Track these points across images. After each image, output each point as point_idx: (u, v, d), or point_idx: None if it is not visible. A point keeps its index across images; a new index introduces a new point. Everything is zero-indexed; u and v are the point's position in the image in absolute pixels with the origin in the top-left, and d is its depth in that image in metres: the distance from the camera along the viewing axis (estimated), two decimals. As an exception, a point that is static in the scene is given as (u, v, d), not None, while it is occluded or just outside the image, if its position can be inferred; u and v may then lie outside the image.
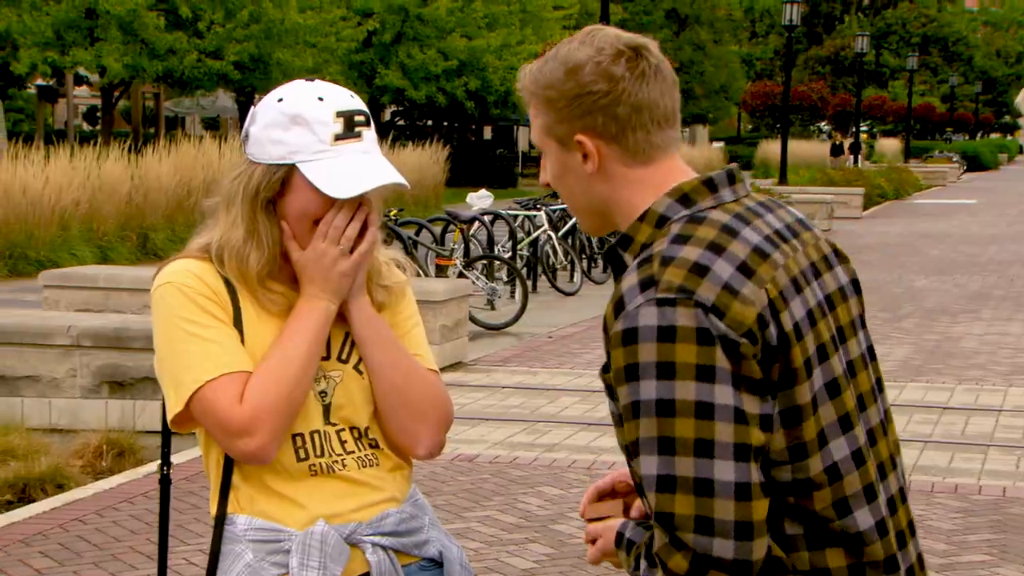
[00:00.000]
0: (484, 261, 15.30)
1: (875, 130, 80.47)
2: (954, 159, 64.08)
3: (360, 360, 2.57)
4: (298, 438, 2.50)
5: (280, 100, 2.48)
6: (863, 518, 2.02)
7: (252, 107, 2.56)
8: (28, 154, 20.08)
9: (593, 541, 2.26)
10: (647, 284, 1.94)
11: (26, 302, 12.92)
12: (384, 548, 2.52)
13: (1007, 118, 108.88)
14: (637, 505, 2.26)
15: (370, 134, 2.48)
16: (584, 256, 18.46)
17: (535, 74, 2.14)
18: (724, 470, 1.89)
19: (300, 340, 2.47)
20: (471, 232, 16.59)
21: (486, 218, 17.18)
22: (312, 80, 2.53)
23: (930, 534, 6.60)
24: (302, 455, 2.50)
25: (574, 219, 18.29)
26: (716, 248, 1.97)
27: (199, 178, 22.72)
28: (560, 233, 17.98)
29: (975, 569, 6.28)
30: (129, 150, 22.58)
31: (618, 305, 1.97)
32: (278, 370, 2.44)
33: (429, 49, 38.85)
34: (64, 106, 47.16)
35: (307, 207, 2.46)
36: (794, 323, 1.97)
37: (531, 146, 45.97)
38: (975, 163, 69.88)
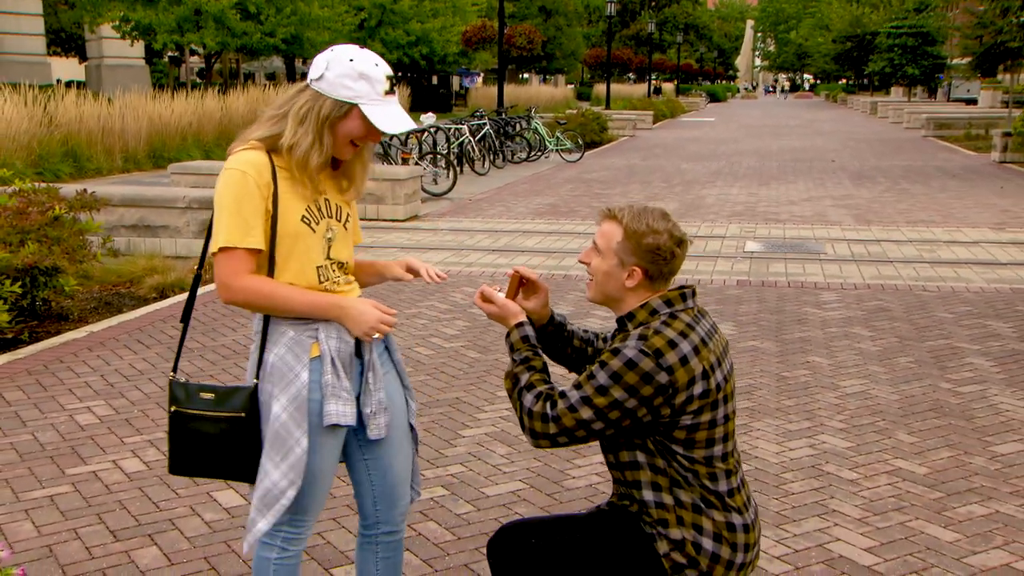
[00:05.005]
0: (430, 155, 14.96)
1: (660, 78, 79.50)
2: (703, 95, 63.70)
3: (348, 220, 2.35)
4: (320, 269, 2.27)
5: (351, 60, 2.19)
6: (726, 486, 2.16)
7: (315, 60, 2.23)
8: (163, 96, 19.53)
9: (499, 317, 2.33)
10: (643, 337, 2.07)
11: (162, 182, 12.47)
12: None
13: (731, 72, 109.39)
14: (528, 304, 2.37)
15: (396, 90, 2.26)
16: (490, 152, 18.11)
17: (635, 219, 2.15)
18: (587, 415, 2.07)
19: (303, 307, 2.22)
20: (423, 138, 16.22)
21: (432, 129, 16.77)
22: (363, 48, 2.22)
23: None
24: (322, 279, 2.29)
25: (484, 129, 18.05)
26: (683, 335, 2.09)
27: (262, 108, 22.27)
28: (476, 139, 17.60)
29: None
30: (220, 92, 21.99)
31: (625, 338, 2.10)
32: (274, 299, 2.20)
33: (398, 29, 37.46)
34: (184, 68, 45.27)
35: (354, 132, 2.22)
36: (716, 383, 2.10)
37: (460, 86, 44.83)
38: (714, 98, 69.38)
